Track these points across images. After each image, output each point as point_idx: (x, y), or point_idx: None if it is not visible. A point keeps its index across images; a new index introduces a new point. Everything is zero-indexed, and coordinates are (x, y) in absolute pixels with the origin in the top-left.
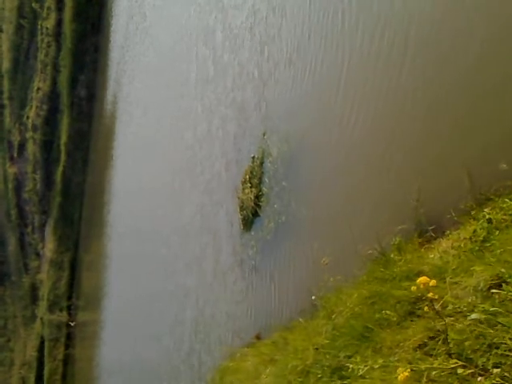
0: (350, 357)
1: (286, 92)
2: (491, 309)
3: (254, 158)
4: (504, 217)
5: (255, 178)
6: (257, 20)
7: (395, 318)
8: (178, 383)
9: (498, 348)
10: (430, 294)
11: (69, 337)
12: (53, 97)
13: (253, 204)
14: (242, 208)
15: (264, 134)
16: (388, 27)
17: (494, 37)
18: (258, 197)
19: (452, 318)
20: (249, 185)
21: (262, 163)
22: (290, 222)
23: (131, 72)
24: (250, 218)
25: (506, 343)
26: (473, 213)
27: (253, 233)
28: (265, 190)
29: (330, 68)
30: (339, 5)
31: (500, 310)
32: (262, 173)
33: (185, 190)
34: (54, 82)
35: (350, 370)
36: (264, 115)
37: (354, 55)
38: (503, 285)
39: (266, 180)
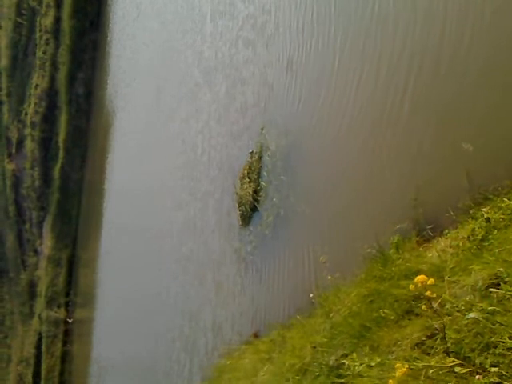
0: (347, 355)
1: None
2: (489, 308)
3: (252, 152)
4: (502, 216)
5: (253, 172)
6: None
7: (393, 317)
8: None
9: (495, 347)
10: (428, 293)
11: (66, 333)
12: (51, 94)
13: (251, 199)
14: (240, 204)
15: (262, 129)
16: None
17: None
18: (256, 191)
19: (450, 317)
20: (247, 180)
21: (260, 157)
22: (289, 216)
23: (130, 61)
24: (249, 213)
25: (503, 342)
26: (471, 212)
27: (251, 228)
28: (263, 184)
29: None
30: None
31: (498, 308)
32: (261, 167)
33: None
34: (53, 79)
35: (347, 368)
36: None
37: (364, 52)
38: (501, 284)
39: (265, 174)
